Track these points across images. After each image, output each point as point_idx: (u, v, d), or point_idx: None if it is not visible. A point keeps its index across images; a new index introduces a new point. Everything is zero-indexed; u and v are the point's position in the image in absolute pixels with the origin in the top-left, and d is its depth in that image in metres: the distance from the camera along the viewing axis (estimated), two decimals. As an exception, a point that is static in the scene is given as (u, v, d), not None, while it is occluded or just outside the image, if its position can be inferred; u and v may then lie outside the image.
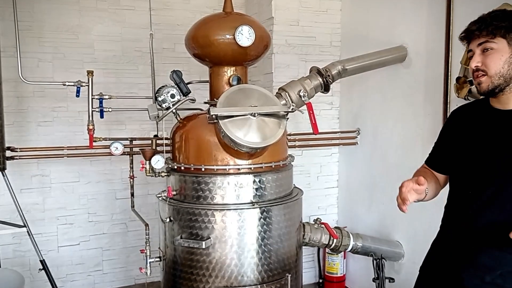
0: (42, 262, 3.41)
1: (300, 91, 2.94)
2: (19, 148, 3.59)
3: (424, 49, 3.32)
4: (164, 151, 3.00)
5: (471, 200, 1.79)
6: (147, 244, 3.08)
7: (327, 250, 3.91)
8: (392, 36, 3.55)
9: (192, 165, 2.84)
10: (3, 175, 3.25)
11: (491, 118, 1.80)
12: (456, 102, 3.03)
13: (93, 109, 3.19)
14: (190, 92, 2.96)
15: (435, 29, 3.18)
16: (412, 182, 1.77)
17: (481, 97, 1.89)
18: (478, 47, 1.73)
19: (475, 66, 1.74)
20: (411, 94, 3.45)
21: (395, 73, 3.55)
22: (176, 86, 2.91)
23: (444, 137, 2.05)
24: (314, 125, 2.95)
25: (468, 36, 1.77)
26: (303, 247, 3.18)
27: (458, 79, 2.93)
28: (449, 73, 3.06)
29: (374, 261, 3.40)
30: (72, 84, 3.18)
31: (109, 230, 4.27)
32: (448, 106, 3.09)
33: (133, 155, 3.52)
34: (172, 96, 2.90)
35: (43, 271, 3.42)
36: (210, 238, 2.73)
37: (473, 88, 2.85)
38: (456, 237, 1.84)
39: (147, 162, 3.00)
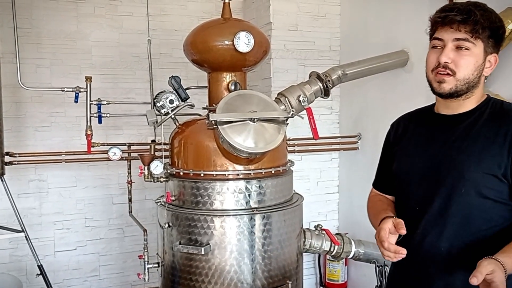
0: (40, 267, 3.39)
1: (299, 96, 2.93)
2: (18, 153, 3.57)
3: (426, 54, 3.30)
4: (163, 156, 2.99)
5: (419, 217, 1.61)
6: (145, 250, 3.06)
7: (328, 256, 3.88)
8: (393, 40, 3.54)
9: (191, 170, 2.82)
10: (2, 180, 3.23)
11: (437, 125, 1.63)
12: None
13: (91, 115, 3.18)
14: (189, 97, 2.95)
15: (435, 33, 3.17)
16: (387, 229, 1.53)
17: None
18: (454, 41, 1.49)
19: (445, 62, 1.51)
20: (413, 98, 3.41)
21: (396, 77, 3.54)
22: (174, 91, 2.90)
23: (386, 154, 1.87)
24: (314, 130, 2.94)
25: (444, 23, 1.52)
26: (304, 253, 3.16)
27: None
28: (450, 78, 3.04)
29: (377, 268, 3.37)
30: (71, 90, 3.18)
31: (106, 235, 4.25)
32: (448, 111, 3.08)
33: (131, 160, 3.50)
34: (171, 101, 2.89)
35: (40, 276, 3.40)
36: (209, 244, 2.71)
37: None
38: (409, 261, 1.59)
39: (146, 167, 2.98)
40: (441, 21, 1.52)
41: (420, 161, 1.62)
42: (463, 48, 1.48)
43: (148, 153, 3.10)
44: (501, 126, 1.49)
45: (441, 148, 1.57)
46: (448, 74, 1.51)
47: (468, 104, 1.57)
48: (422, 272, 1.62)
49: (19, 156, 3.60)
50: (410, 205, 1.66)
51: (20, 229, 3.32)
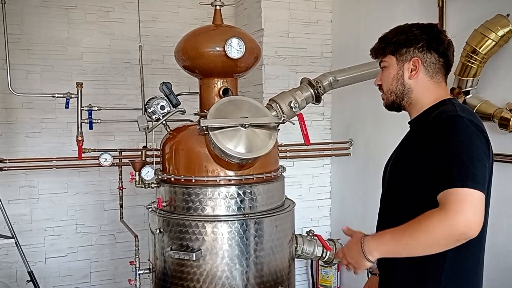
0: (30, 273, 3.37)
1: (291, 102, 2.93)
2: (8, 160, 3.55)
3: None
4: (154, 162, 2.98)
5: (378, 222, 1.87)
6: (137, 256, 3.04)
7: (320, 262, 3.88)
8: (383, 47, 3.57)
9: (182, 176, 2.82)
10: (-8, 187, 3.22)
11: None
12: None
13: (82, 121, 3.16)
14: (180, 103, 2.95)
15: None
16: None
17: None
18: (380, 65, 1.80)
19: (376, 84, 1.83)
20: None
21: (386, 84, 3.56)
22: (166, 97, 2.90)
23: None
24: (305, 136, 2.94)
25: (373, 57, 1.84)
26: (296, 259, 3.16)
27: (452, 90, 2.92)
28: (442, 84, 3.06)
29: (369, 274, 3.37)
30: (62, 96, 3.16)
31: (97, 242, 4.23)
32: (439, 117, 3.09)
33: (122, 166, 3.49)
34: (162, 107, 2.89)
35: (30, 282, 3.37)
36: (200, 250, 2.70)
37: (468, 99, 2.85)
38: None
39: (137, 173, 2.97)
40: (371, 56, 1.85)
41: (386, 169, 1.90)
42: (383, 69, 1.78)
43: (139, 159, 3.10)
44: (421, 134, 1.64)
45: (395, 156, 1.85)
46: (382, 93, 1.82)
47: (413, 110, 1.76)
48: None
49: (10, 162, 3.59)
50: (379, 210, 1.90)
51: (10, 235, 3.30)
